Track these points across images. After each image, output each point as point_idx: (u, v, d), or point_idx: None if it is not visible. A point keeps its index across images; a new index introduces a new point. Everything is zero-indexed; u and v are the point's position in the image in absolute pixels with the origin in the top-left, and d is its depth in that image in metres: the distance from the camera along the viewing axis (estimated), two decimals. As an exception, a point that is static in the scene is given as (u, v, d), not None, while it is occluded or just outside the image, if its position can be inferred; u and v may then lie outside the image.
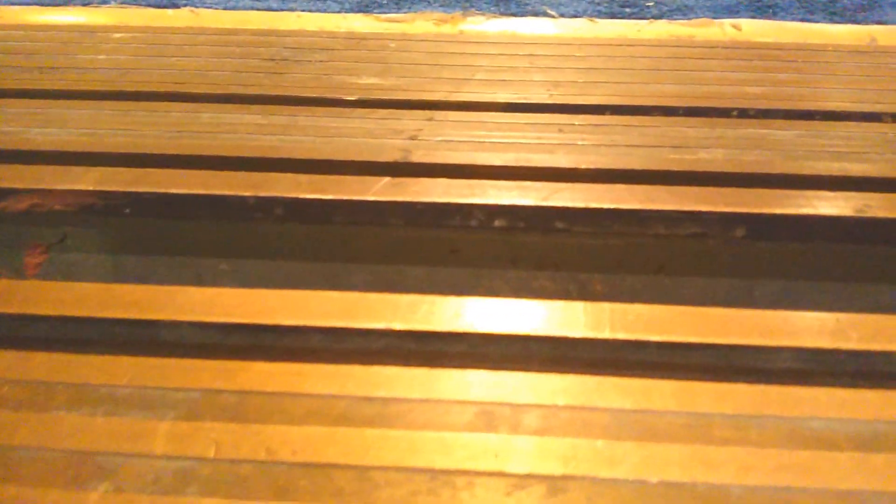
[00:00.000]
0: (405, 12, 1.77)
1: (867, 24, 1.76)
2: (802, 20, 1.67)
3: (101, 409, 0.67)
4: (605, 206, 0.93)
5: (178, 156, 1.06)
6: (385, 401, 0.67)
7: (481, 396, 0.65)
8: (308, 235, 1.00)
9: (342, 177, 1.00)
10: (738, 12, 1.74)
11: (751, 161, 1.04)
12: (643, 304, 0.79)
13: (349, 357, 0.70)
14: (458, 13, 1.76)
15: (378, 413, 0.66)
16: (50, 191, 0.99)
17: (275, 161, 1.04)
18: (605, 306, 0.79)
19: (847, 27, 1.70)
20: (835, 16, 1.73)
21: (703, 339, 0.70)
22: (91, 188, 0.98)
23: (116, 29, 1.77)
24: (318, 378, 0.67)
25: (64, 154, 1.08)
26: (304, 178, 0.99)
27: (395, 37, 1.67)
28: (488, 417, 0.65)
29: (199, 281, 1.03)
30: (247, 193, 0.95)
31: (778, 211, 0.92)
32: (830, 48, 1.57)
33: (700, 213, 0.92)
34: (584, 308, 0.79)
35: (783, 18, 1.72)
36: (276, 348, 0.73)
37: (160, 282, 1.04)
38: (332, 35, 1.70)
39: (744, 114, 1.25)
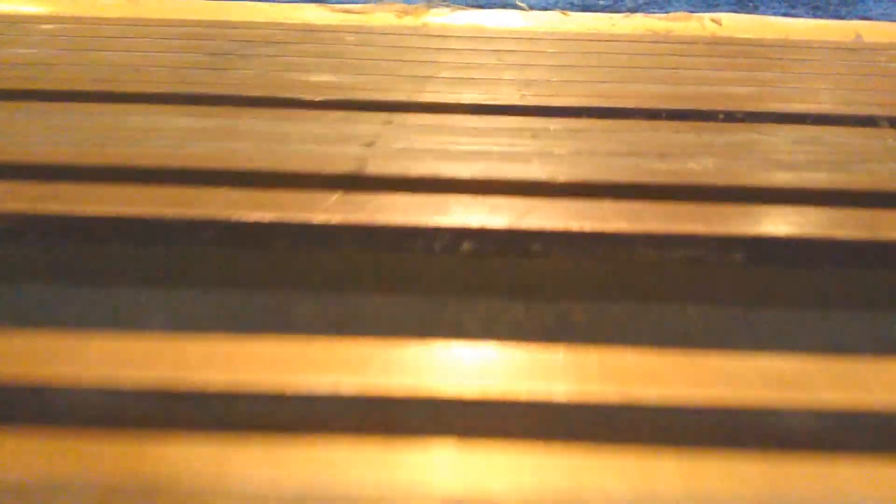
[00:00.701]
0: (364, 3, 1.63)
1: (850, 18, 1.67)
2: (784, 14, 1.58)
3: None
4: (588, 228, 0.81)
5: (95, 167, 0.92)
6: (332, 499, 0.54)
7: (448, 487, 0.53)
8: (245, 261, 0.87)
9: (285, 192, 0.87)
10: (717, 5, 1.64)
11: (745, 172, 0.94)
12: (634, 348, 0.68)
13: (288, 431, 0.58)
14: (421, 4, 1.63)
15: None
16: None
17: (207, 173, 0.91)
18: (592, 356, 0.67)
19: (830, 22, 1.61)
20: (817, 10, 1.64)
21: (706, 398, 0.60)
22: (-10, 208, 0.83)
23: (46, 19, 1.61)
24: (248, 463, 0.55)
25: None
26: (239, 194, 0.86)
27: (352, 29, 1.54)
28: None
29: (115, 317, 0.90)
30: (171, 214, 0.82)
31: (780, 232, 0.81)
32: (816, 45, 1.48)
33: (694, 236, 0.81)
34: (565, 358, 0.67)
35: (764, 12, 1.63)
36: (197, 421, 0.60)
37: (65, 319, 0.90)
38: (284, 27, 1.56)
39: (731, 117, 1.15)
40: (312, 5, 1.70)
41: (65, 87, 1.19)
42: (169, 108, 1.12)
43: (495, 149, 1.00)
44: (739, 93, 1.22)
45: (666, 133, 1.07)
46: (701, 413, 0.58)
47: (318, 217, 0.82)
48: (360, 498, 0.51)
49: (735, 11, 1.64)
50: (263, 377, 0.61)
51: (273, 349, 0.67)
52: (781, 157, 0.97)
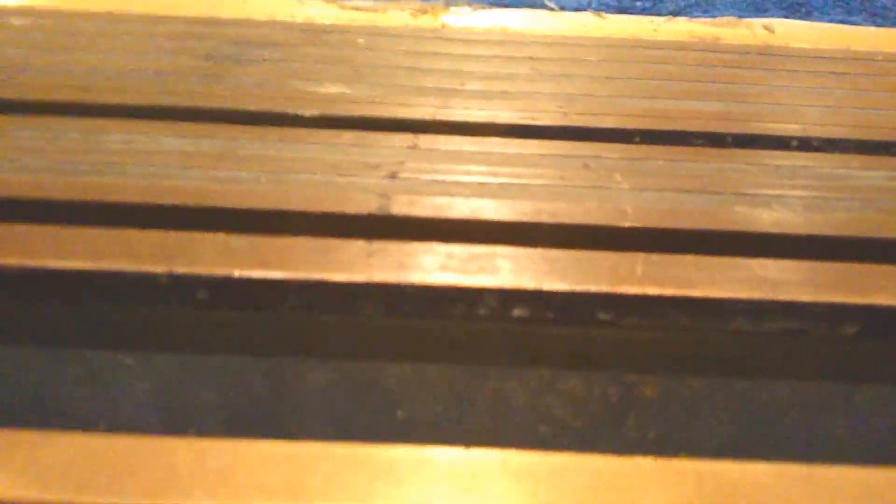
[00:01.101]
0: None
1: (910, 26, 1.51)
2: (841, 22, 1.42)
3: None
4: (669, 293, 0.66)
5: (63, 202, 0.75)
6: None
7: None
8: (246, 324, 0.71)
9: (296, 239, 0.71)
10: (766, 10, 1.49)
11: (846, 220, 0.78)
12: (733, 461, 0.53)
13: None
14: (439, 2, 1.47)
15: None
16: None
17: (201, 212, 0.75)
18: (687, 465, 0.52)
19: (893, 31, 1.46)
20: (876, 17, 1.48)
21: None
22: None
23: (18, 12, 1.43)
24: None
25: None
26: (240, 241, 0.70)
27: (363, 30, 1.37)
28: None
29: (93, 381, 0.74)
30: (156, 270, 0.66)
31: (905, 301, 0.66)
32: (881, 58, 1.33)
33: (799, 304, 0.66)
34: (655, 468, 0.52)
35: (818, 19, 1.47)
36: None
37: (39, 384, 0.74)
38: (286, 26, 1.39)
39: (806, 145, 0.99)
40: (318, 0, 1.54)
41: (32, 96, 1.03)
42: (154, 124, 0.95)
43: (543, 182, 0.84)
44: (811, 114, 1.07)
45: (738, 164, 0.91)
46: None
47: (336, 275, 0.67)
48: None
49: (786, 17, 1.48)
50: None
51: (278, 464, 0.51)
52: (885, 198, 0.82)
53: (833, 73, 1.23)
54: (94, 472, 0.50)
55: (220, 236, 0.71)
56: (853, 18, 1.49)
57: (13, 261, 0.67)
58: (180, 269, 0.66)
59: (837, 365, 0.72)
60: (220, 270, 0.66)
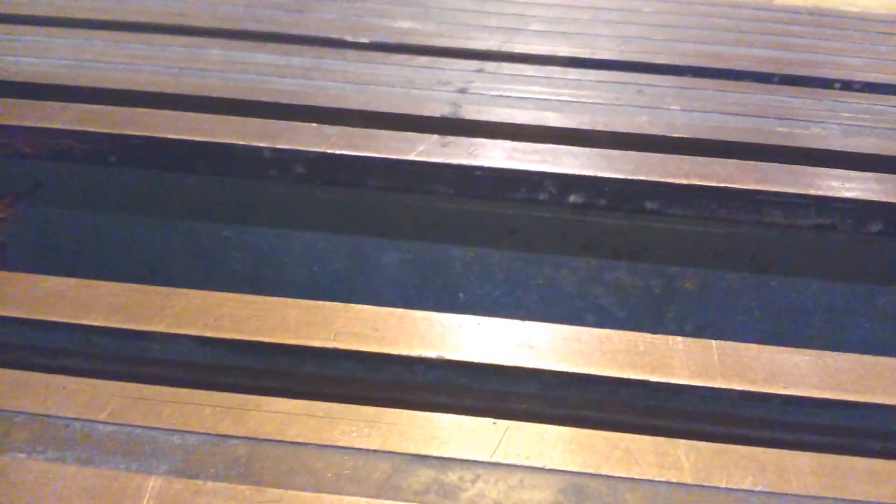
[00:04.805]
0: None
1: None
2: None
3: (72, 453, 0.47)
4: (712, 184, 0.74)
5: (177, 95, 0.86)
6: (442, 463, 0.48)
7: (565, 464, 0.46)
8: (333, 201, 0.81)
9: (378, 131, 0.81)
10: (820, -24, 1.53)
11: (877, 142, 0.85)
12: (752, 344, 0.61)
13: (390, 393, 0.52)
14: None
15: (433, 481, 0.47)
16: (18, 128, 0.79)
17: (296, 108, 0.85)
18: (712, 343, 0.60)
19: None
20: (929, -14, 1.52)
21: (834, 394, 0.52)
22: (68, 128, 0.78)
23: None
24: (352, 424, 0.49)
25: (39, 87, 0.88)
26: (331, 129, 0.80)
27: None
28: (578, 495, 0.47)
29: (196, 251, 0.85)
30: (261, 144, 0.76)
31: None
32: (931, 21, 1.37)
33: (830, 199, 0.73)
34: (684, 346, 0.59)
35: (871, -14, 1.51)
36: (299, 376, 0.55)
37: (149, 251, 0.85)
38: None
39: (848, 86, 1.06)
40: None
41: (139, 19, 1.14)
42: (246, 44, 1.06)
43: (599, 102, 0.93)
44: (853, 63, 1.13)
45: (782, 97, 0.98)
46: (829, 406, 0.50)
47: (414, 155, 0.76)
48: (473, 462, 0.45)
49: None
50: (359, 337, 0.55)
51: (367, 315, 0.60)
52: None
53: (879, 32, 1.28)
54: (219, 316, 0.60)
55: (314, 125, 0.81)
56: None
57: (139, 132, 0.78)
58: (281, 145, 0.76)
59: (863, 266, 0.79)
60: (315, 147, 0.76)
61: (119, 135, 0.77)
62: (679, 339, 0.60)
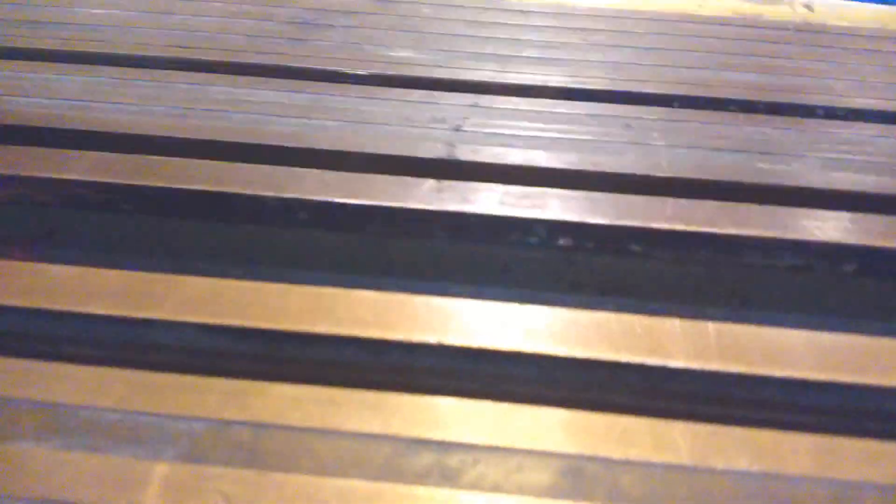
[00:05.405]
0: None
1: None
2: (882, 2, 1.49)
3: (79, 441, 0.51)
4: (693, 228, 0.78)
5: (185, 140, 0.90)
6: (443, 446, 0.52)
7: (564, 446, 0.51)
8: (335, 244, 0.85)
9: (377, 176, 0.85)
10: (808, -11, 1.56)
11: (854, 177, 0.89)
12: (747, 325, 0.64)
13: (391, 377, 0.56)
14: (498, -24, 1.57)
15: (435, 464, 0.51)
16: (34, 179, 0.84)
17: (297, 152, 0.89)
18: (708, 326, 0.64)
19: (931, 12, 1.52)
20: (917, -2, 1.54)
21: (831, 376, 0.56)
22: (83, 178, 0.83)
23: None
24: (354, 408, 0.53)
25: (53, 132, 0.92)
26: (331, 176, 0.84)
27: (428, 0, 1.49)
28: (576, 477, 0.51)
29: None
30: (267, 193, 0.80)
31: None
32: (916, 36, 1.40)
33: (805, 243, 0.77)
34: (682, 328, 0.64)
35: (859, -2, 1.54)
36: (301, 362, 0.59)
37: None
38: (358, -5, 1.52)
39: (831, 114, 1.09)
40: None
41: (143, 52, 1.18)
42: (249, 79, 1.10)
43: (588, 138, 0.97)
44: (839, 87, 1.16)
45: (765, 128, 1.02)
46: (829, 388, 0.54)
47: (412, 203, 0.80)
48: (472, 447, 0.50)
49: (827, -4, 1.56)
50: (364, 323, 0.60)
51: (371, 301, 0.64)
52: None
53: (866, 49, 1.31)
54: (222, 303, 0.64)
55: (315, 171, 0.85)
56: (893, -1, 1.56)
57: (151, 182, 0.82)
58: (286, 194, 0.80)
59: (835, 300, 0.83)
60: (317, 196, 0.80)
61: (132, 185, 0.81)
62: (677, 321, 0.64)
